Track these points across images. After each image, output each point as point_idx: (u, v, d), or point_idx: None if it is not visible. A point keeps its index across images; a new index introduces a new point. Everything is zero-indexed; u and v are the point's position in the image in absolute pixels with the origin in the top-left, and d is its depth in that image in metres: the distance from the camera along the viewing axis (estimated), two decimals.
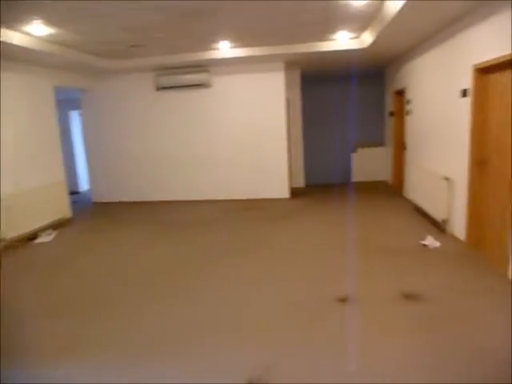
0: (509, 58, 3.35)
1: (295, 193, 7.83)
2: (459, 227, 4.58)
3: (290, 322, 2.99)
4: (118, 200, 8.06)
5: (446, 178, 4.81)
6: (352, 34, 5.72)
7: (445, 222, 4.90)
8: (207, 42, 5.82)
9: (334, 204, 6.97)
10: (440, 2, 3.64)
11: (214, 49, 6.33)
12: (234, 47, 6.27)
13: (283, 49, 6.29)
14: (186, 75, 7.24)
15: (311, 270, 4.01)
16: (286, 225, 5.78)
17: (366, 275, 3.77)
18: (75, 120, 9.40)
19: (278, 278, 3.87)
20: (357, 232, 5.12)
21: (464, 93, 4.31)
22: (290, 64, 7.30)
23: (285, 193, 7.61)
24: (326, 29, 5.31)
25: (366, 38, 5.65)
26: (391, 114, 8.19)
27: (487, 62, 3.75)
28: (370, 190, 8.13)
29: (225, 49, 6.32)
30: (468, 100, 4.21)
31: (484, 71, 3.94)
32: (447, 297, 3.25)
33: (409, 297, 3.27)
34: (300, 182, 8.45)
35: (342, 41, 5.97)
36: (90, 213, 7.52)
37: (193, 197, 7.83)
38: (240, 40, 5.83)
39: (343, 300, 3.27)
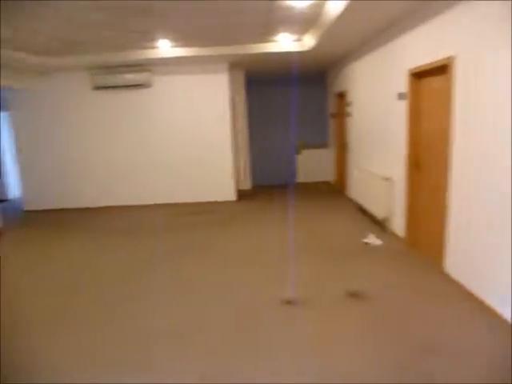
0: (440, 63, 3.52)
1: (242, 195, 7.78)
2: (399, 225, 4.77)
3: (236, 326, 2.92)
4: (53, 207, 7.50)
5: (386, 178, 4.99)
6: (294, 37, 5.77)
7: (385, 220, 5.08)
8: (146, 40, 5.58)
9: (279, 205, 6.99)
10: (379, 4, 3.74)
11: (154, 48, 6.10)
12: (175, 46, 6.09)
13: (225, 49, 6.20)
14: (124, 74, 6.91)
15: (257, 272, 3.96)
16: (232, 228, 5.70)
17: (311, 275, 3.80)
18: (3, 122, 8.65)
19: (223, 281, 3.80)
20: (302, 232, 5.16)
21: (400, 96, 4.48)
22: (235, 65, 7.24)
23: (231, 195, 7.53)
24: (267, 31, 5.31)
25: (308, 41, 5.73)
26: (332, 115, 8.41)
27: (421, 66, 3.92)
28: (315, 190, 8.29)
29: (165, 48, 6.11)
30: (404, 103, 4.39)
31: (418, 76, 4.12)
32: (389, 293, 3.34)
33: (354, 295, 3.32)
34: (247, 184, 8.42)
35: (284, 43, 6.01)
36: (21, 222, 6.93)
37: (135, 201, 7.50)
38: (181, 39, 5.66)
39: (289, 302, 3.25)
